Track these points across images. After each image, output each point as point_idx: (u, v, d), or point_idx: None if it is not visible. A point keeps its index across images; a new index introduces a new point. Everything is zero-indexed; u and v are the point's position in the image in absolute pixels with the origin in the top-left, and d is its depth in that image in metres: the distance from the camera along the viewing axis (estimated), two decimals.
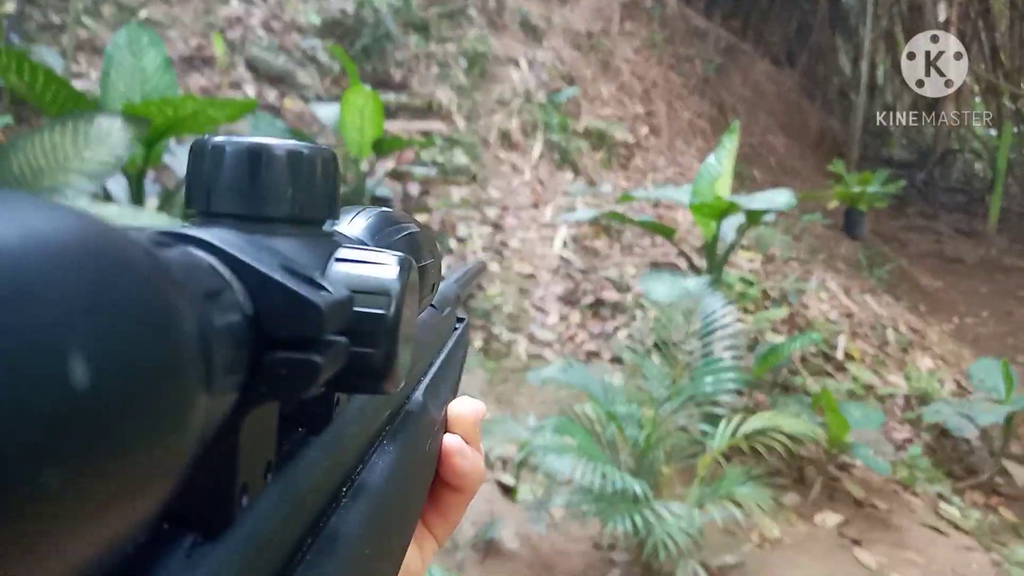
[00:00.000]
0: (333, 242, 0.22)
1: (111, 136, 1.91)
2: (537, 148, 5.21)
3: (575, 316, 3.88)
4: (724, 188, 3.10)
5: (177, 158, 3.00)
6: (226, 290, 0.16)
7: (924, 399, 3.61)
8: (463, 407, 0.36)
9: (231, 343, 0.16)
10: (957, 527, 2.86)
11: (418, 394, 0.32)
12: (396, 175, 4.25)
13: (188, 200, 0.21)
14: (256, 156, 0.20)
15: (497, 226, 4.41)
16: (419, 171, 4.26)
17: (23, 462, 0.09)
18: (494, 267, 3.99)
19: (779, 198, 3.03)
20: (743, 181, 5.65)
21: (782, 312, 3.94)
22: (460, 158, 4.71)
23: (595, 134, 5.56)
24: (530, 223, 4.53)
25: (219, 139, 0.20)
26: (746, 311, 3.77)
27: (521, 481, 2.78)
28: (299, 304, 0.17)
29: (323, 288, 0.18)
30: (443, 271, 0.36)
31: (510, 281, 3.99)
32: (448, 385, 0.37)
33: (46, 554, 0.10)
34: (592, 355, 3.60)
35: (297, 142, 0.21)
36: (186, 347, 0.13)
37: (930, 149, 8.70)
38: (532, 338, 3.66)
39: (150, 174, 2.96)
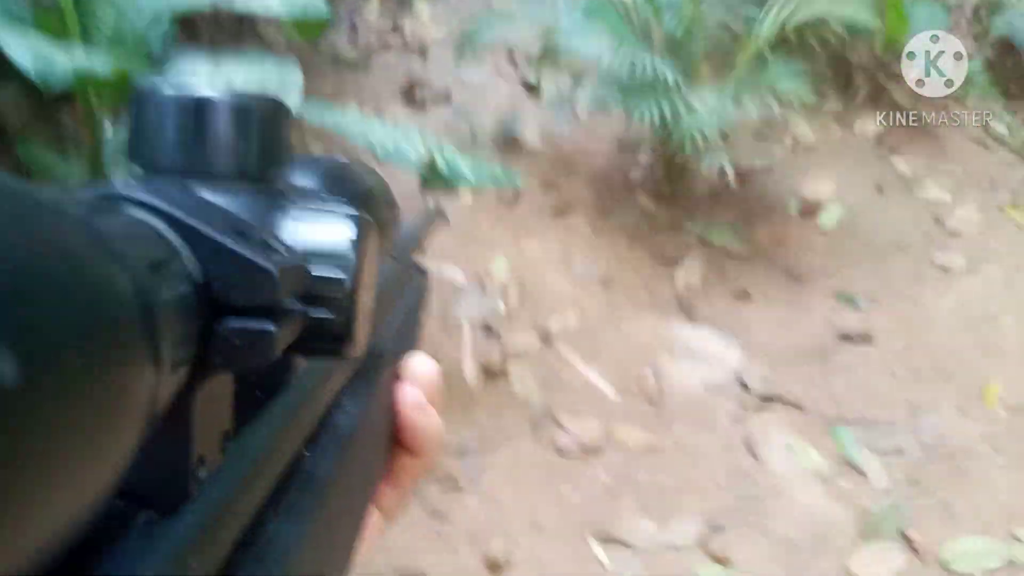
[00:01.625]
0: (287, 199, 0.20)
1: None
2: None
3: None
4: None
5: None
6: (173, 258, 0.15)
7: (996, 7, 3.24)
8: (422, 365, 0.33)
9: (179, 315, 0.15)
10: (1003, 143, 2.72)
11: (378, 348, 0.30)
12: None
13: (131, 153, 0.19)
14: (203, 108, 0.19)
15: None
16: None
17: None
18: None
19: None
20: None
21: None
22: None
23: None
24: None
25: (164, 89, 0.19)
26: None
27: (544, 81, 2.61)
28: (251, 270, 0.16)
29: (276, 252, 0.17)
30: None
31: None
32: (407, 338, 0.35)
33: None
34: None
35: (245, 92, 0.19)
36: (126, 323, 0.12)
37: None
38: None
39: None
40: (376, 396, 0.29)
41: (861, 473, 1.66)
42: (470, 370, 1.79)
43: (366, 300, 0.21)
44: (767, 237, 2.20)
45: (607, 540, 1.51)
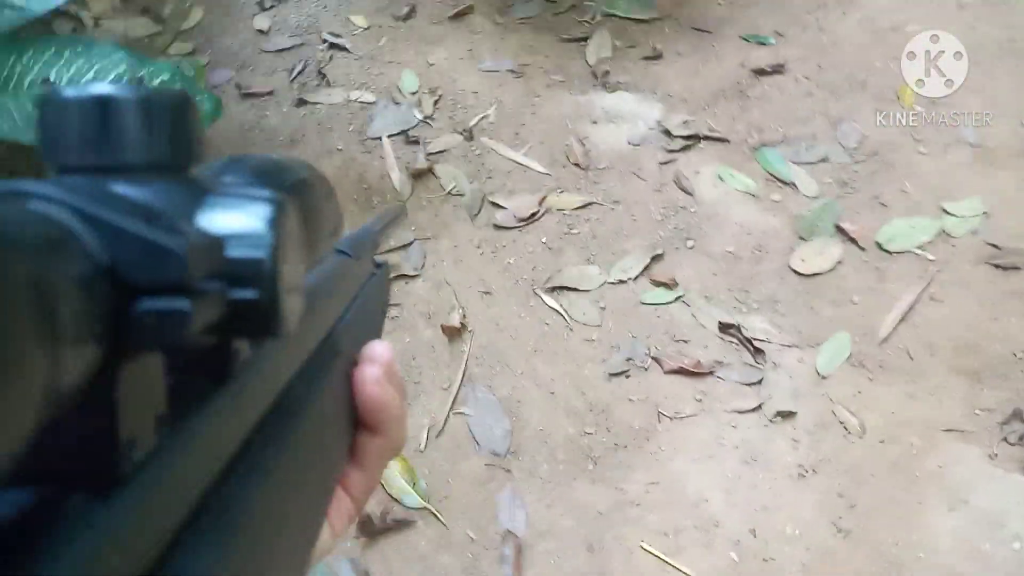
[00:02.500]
0: (201, 187, 0.21)
1: None
2: None
3: None
4: None
5: None
6: (70, 241, 0.15)
7: None
8: (378, 346, 0.34)
9: (79, 295, 0.15)
10: None
11: (333, 337, 0.31)
12: None
13: (43, 155, 0.19)
14: (105, 105, 0.19)
15: None
16: None
17: None
18: None
19: None
20: None
21: None
22: None
23: None
24: None
25: (65, 90, 0.19)
26: None
27: None
28: (155, 251, 0.16)
29: (184, 234, 0.17)
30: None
31: None
32: (365, 331, 0.36)
33: None
34: None
35: (147, 86, 0.20)
36: (11, 302, 0.12)
37: None
38: None
39: None
40: (331, 382, 0.30)
41: (790, 185, 1.70)
42: (398, 178, 1.78)
43: (292, 278, 0.21)
44: (670, 0, 2.17)
45: (556, 290, 1.55)
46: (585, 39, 2.08)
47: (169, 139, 0.20)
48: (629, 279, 1.55)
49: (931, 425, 1.35)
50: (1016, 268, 1.54)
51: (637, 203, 1.69)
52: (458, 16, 2.16)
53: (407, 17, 2.17)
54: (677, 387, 1.41)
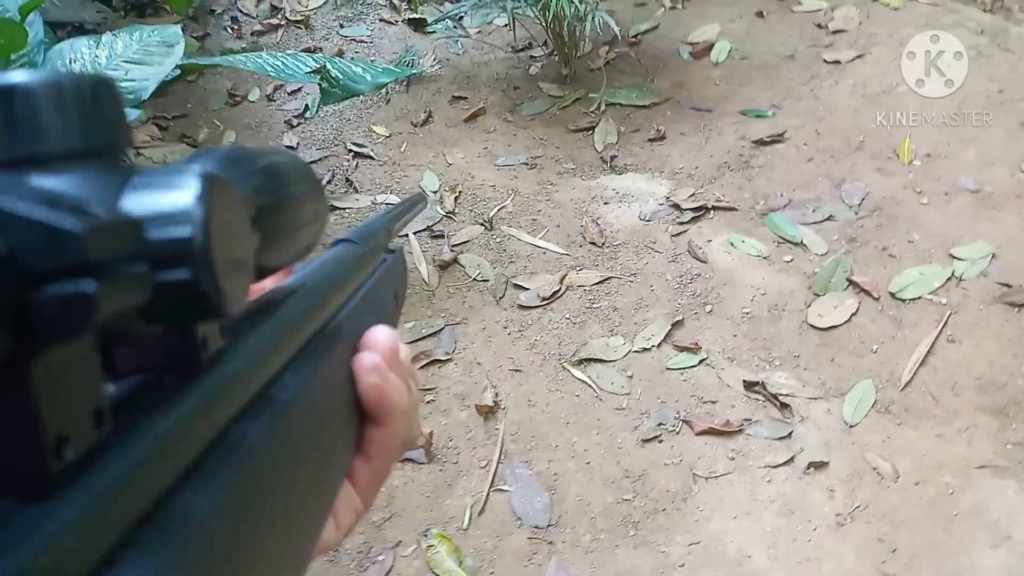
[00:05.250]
0: (126, 172, 0.20)
1: None
2: None
3: None
4: None
5: None
6: None
7: None
8: (379, 333, 0.32)
9: None
10: None
11: (332, 328, 0.30)
12: None
13: None
14: (9, 95, 0.18)
15: None
16: None
17: None
18: None
19: None
20: None
21: None
22: None
23: None
24: None
25: None
26: None
27: (427, 14, 2.71)
28: (52, 234, 0.15)
29: (83, 214, 0.16)
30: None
31: None
32: (375, 319, 0.34)
33: None
34: None
35: (59, 71, 0.19)
36: None
37: None
38: None
39: None
40: (330, 371, 0.29)
41: (800, 245, 1.77)
42: (425, 270, 1.88)
43: (231, 255, 0.20)
44: (668, 85, 2.30)
45: (584, 362, 1.61)
46: (591, 128, 2.21)
47: (84, 125, 0.19)
48: (653, 346, 1.61)
49: (964, 464, 1.36)
50: None
51: (654, 274, 1.76)
52: (471, 118, 2.31)
53: (424, 123, 2.33)
54: (709, 448, 1.45)
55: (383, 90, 2.35)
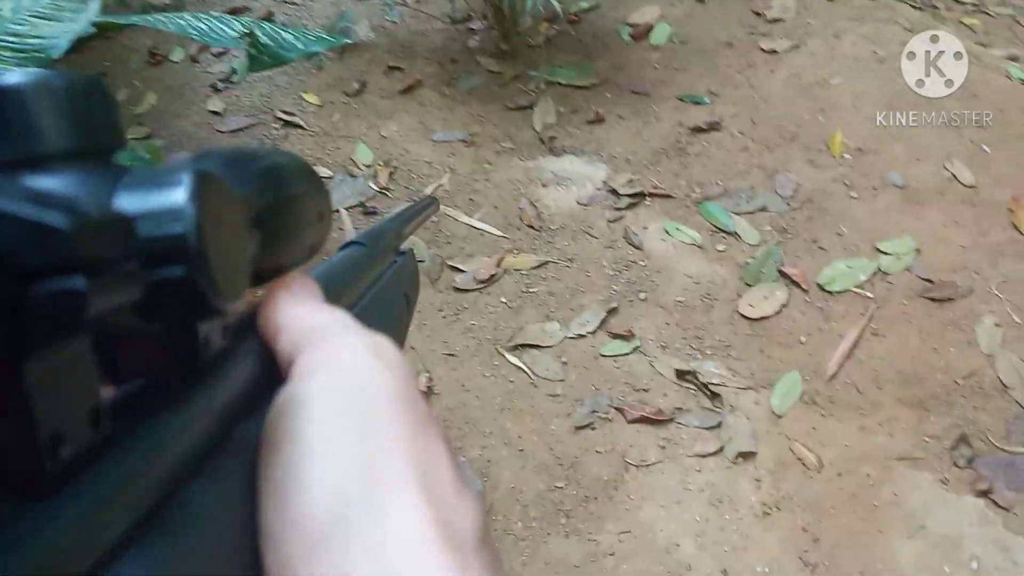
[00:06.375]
0: (118, 171, 0.20)
1: None
2: None
3: None
4: None
5: None
6: None
7: None
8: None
9: None
10: None
11: None
12: None
13: None
14: (0, 94, 0.18)
15: None
16: None
17: None
18: None
19: None
20: None
21: None
22: None
23: None
24: None
25: None
26: None
27: None
28: (40, 231, 0.15)
29: (72, 212, 0.16)
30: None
31: None
32: (382, 320, 0.34)
33: None
34: None
35: (51, 72, 0.19)
36: None
37: None
38: None
39: None
40: None
41: (733, 235, 1.78)
42: None
43: (227, 252, 0.20)
44: (607, 66, 2.28)
45: (519, 348, 1.59)
46: (530, 107, 2.18)
47: (76, 125, 0.19)
48: (588, 333, 1.60)
49: (884, 455, 1.41)
50: (950, 300, 1.64)
51: (590, 260, 1.75)
52: (407, 90, 2.24)
53: (358, 93, 2.25)
54: (641, 436, 1.45)
55: (315, 57, 2.25)
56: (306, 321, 0.25)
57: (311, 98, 2.24)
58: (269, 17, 2.52)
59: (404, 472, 0.21)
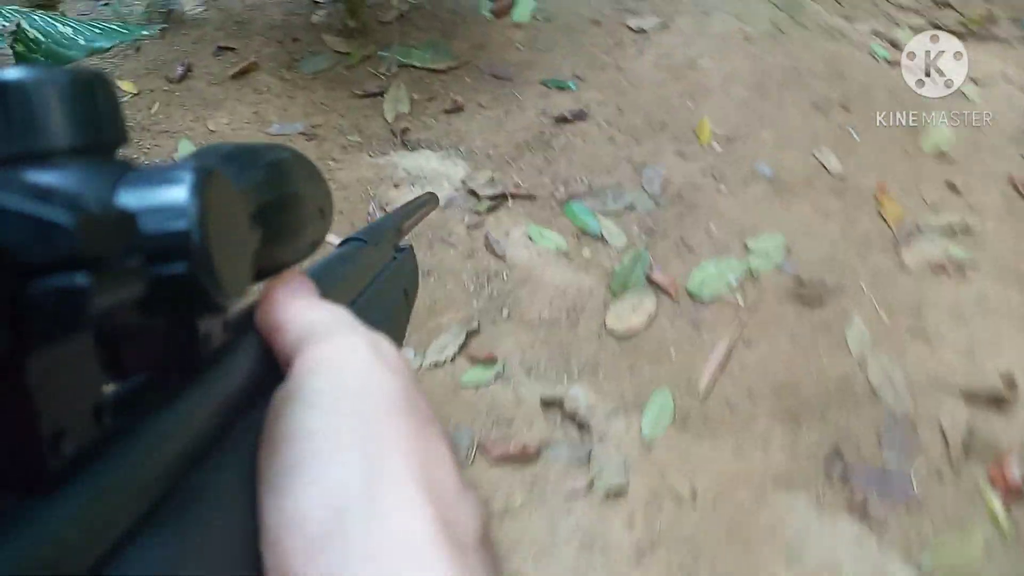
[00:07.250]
0: (121, 167, 0.19)
1: None
2: None
3: None
4: None
5: None
6: None
7: None
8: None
9: None
10: None
11: None
12: None
13: None
14: (4, 90, 0.18)
15: None
16: None
17: None
18: None
19: None
20: None
21: None
22: None
23: None
24: None
25: None
26: None
27: None
28: (43, 227, 0.15)
29: (74, 207, 0.15)
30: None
31: None
32: (381, 316, 0.33)
33: None
34: None
35: (55, 67, 0.19)
36: None
37: None
38: None
39: None
40: None
41: (599, 239, 1.66)
42: None
43: (229, 248, 0.20)
44: (467, 46, 2.10)
45: None
46: (381, 94, 1.97)
47: (79, 121, 0.19)
48: (447, 359, 1.45)
49: (759, 477, 1.34)
50: (820, 301, 1.58)
51: (449, 272, 1.59)
52: (240, 74, 1.99)
53: (182, 79, 1.97)
54: (506, 477, 1.32)
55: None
56: (306, 318, 0.24)
57: (126, 85, 1.95)
58: None
59: (404, 472, 0.20)
